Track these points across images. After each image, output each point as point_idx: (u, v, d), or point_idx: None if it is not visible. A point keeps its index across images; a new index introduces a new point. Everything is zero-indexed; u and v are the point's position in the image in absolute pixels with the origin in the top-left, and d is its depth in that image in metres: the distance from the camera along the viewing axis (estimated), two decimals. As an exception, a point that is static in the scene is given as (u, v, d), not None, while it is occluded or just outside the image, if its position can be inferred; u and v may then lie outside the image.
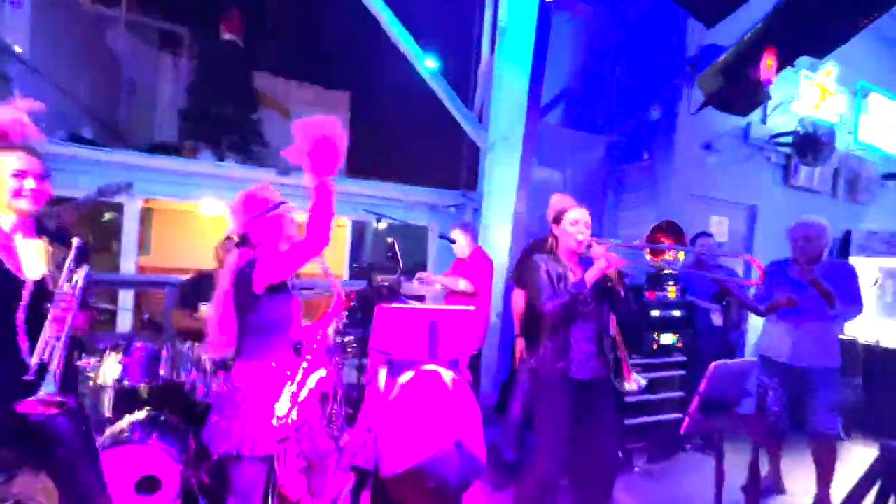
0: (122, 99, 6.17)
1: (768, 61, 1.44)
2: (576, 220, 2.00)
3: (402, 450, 0.85)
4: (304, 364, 1.66)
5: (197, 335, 2.81)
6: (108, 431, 2.07)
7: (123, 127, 6.02)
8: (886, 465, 1.76)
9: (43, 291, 1.40)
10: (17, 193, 1.38)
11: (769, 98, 1.76)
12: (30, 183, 1.39)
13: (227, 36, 5.61)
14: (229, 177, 4.49)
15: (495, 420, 3.45)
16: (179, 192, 4.45)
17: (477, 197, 4.52)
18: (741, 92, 1.52)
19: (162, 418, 2.17)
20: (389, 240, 3.38)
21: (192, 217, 6.13)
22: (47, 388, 1.25)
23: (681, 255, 1.90)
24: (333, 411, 2.47)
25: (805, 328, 2.71)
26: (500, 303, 3.83)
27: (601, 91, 4.95)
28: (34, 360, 1.30)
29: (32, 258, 1.42)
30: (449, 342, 1.00)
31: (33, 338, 1.36)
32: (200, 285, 3.14)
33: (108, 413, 2.26)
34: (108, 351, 2.32)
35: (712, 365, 1.73)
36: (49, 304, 1.37)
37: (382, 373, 0.98)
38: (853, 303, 2.66)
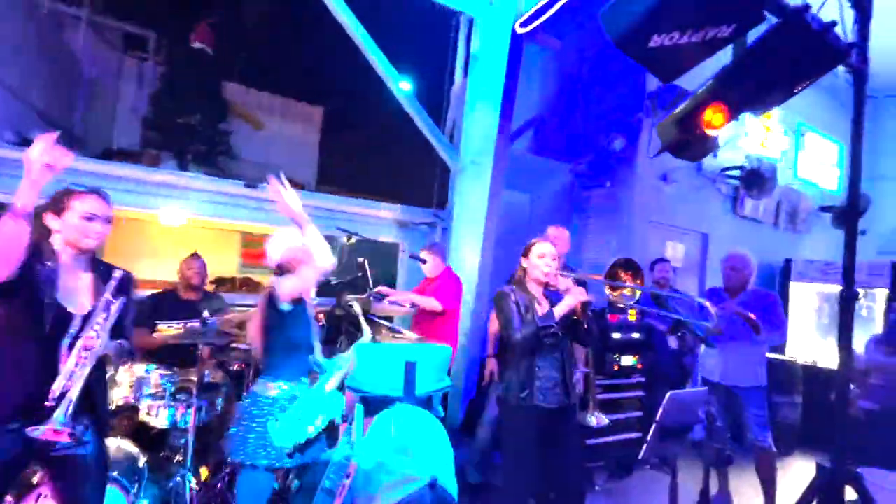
0: (80, 102, 5.86)
1: (717, 117, 1.61)
2: (542, 254, 2.13)
3: (375, 489, 0.87)
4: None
5: (156, 356, 2.68)
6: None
7: (80, 131, 5.70)
8: (822, 484, 1.93)
9: (87, 324, 1.47)
10: (85, 234, 1.48)
11: (718, 147, 1.94)
12: (97, 227, 1.51)
13: (196, 45, 5.47)
14: (193, 188, 4.34)
15: (461, 441, 3.46)
16: (139, 202, 4.26)
17: (447, 216, 4.59)
18: (693, 141, 1.70)
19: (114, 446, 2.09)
20: (360, 259, 3.37)
21: (151, 227, 5.87)
22: (59, 418, 1.30)
23: (637, 292, 2.04)
24: None
25: (734, 350, 2.96)
26: (467, 323, 3.87)
27: (568, 120, 5.18)
28: (55, 387, 1.34)
29: (82, 292, 1.50)
30: (424, 379, 1.03)
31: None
32: (160, 303, 3.01)
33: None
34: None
35: (668, 395, 1.85)
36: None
37: (359, 409, 1.00)
38: (777, 329, 2.90)
